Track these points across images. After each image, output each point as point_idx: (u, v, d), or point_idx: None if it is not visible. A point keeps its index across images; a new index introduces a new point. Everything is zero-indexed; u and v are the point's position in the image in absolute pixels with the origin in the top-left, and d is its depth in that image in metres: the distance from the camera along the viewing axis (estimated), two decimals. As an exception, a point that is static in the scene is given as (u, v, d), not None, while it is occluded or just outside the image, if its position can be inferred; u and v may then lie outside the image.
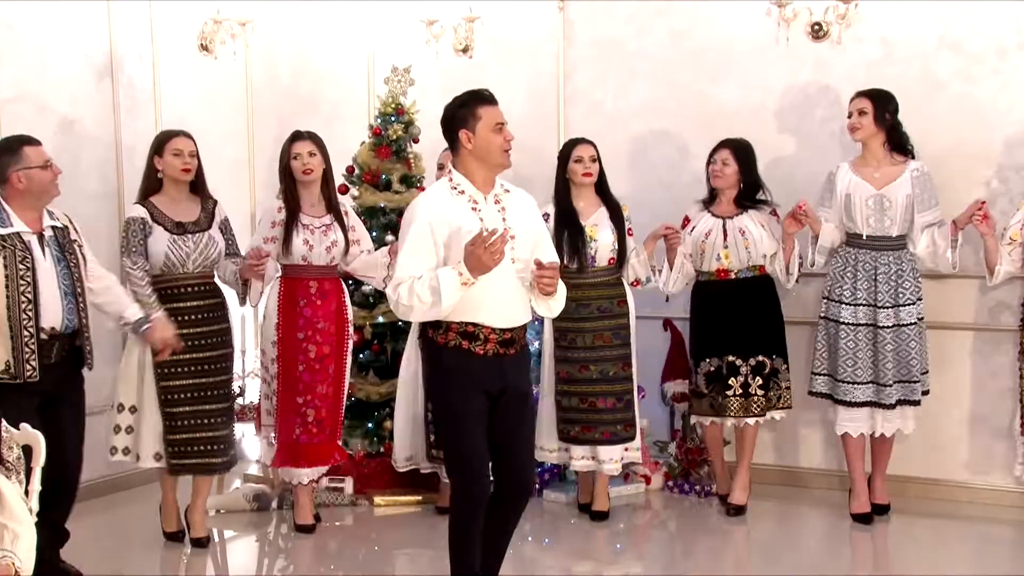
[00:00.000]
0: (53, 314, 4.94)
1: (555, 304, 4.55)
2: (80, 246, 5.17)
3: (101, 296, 5.25)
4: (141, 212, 5.57)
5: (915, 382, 5.92)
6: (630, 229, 6.14)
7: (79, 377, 5.16)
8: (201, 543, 5.77)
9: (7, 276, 4.83)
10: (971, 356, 6.35)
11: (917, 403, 5.97)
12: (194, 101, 7.16)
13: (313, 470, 6.00)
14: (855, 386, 5.93)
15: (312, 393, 5.87)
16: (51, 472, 4.65)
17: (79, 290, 5.08)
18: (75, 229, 5.19)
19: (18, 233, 4.90)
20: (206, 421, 5.66)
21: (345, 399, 6.12)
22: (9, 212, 4.92)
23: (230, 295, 5.88)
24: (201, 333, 5.63)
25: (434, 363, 4.54)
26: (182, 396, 5.59)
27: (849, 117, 5.89)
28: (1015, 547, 5.85)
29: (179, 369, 5.55)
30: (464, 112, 4.43)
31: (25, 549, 3.29)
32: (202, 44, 7.22)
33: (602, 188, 6.12)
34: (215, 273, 5.78)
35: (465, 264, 4.19)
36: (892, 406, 5.90)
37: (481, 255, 4.13)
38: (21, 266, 4.86)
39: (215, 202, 5.79)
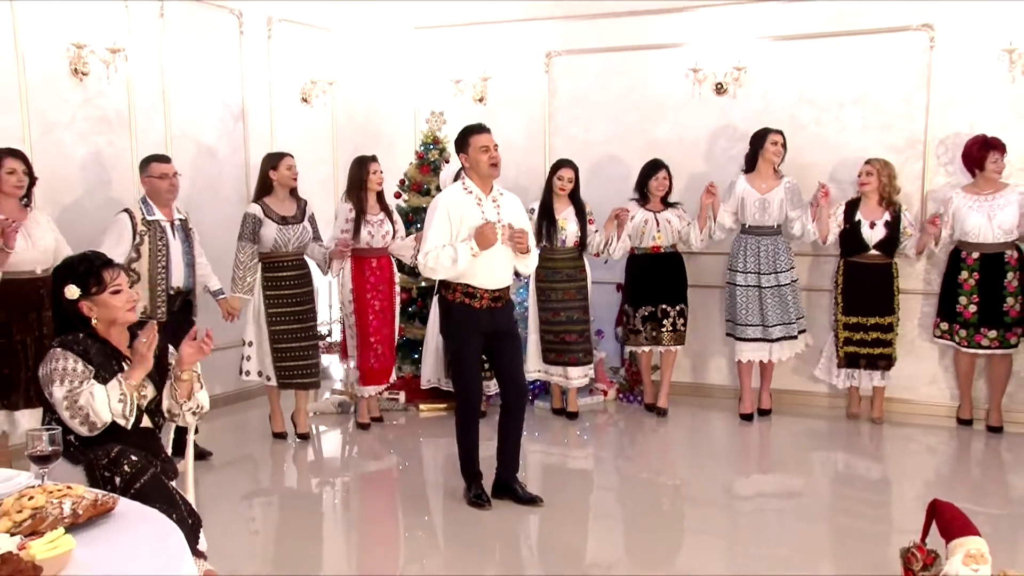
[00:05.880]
0: (177, 277, 5.24)
1: (530, 262, 4.74)
2: (192, 232, 5.42)
3: (199, 269, 5.47)
4: (255, 210, 5.68)
5: (792, 323, 6.16)
6: (592, 219, 6.28)
7: (188, 320, 5.24)
8: (305, 436, 5.98)
9: (150, 249, 5.13)
10: (826, 309, 6.49)
11: (795, 337, 6.23)
12: (297, 137, 7.28)
13: (380, 386, 6.26)
14: (748, 327, 6.20)
15: (380, 334, 6.05)
16: None
17: (193, 262, 5.37)
18: (189, 220, 5.43)
19: (158, 220, 5.19)
20: (302, 353, 5.83)
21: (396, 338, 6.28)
22: (152, 205, 5.22)
23: (313, 267, 6.06)
24: (296, 293, 5.81)
25: (445, 313, 4.71)
26: (286, 336, 5.77)
27: (774, 145, 6.07)
28: (841, 429, 6.14)
29: (283, 318, 5.75)
30: (461, 142, 4.63)
31: (203, 393, 3.37)
32: (303, 97, 7.49)
33: (574, 194, 6.21)
34: (305, 252, 5.90)
35: (475, 240, 4.44)
36: (776, 340, 6.16)
37: (488, 233, 4.42)
38: (159, 243, 5.16)
39: (306, 202, 5.89)
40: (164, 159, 5.35)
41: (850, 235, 6.04)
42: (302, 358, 5.85)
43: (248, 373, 5.90)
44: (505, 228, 4.60)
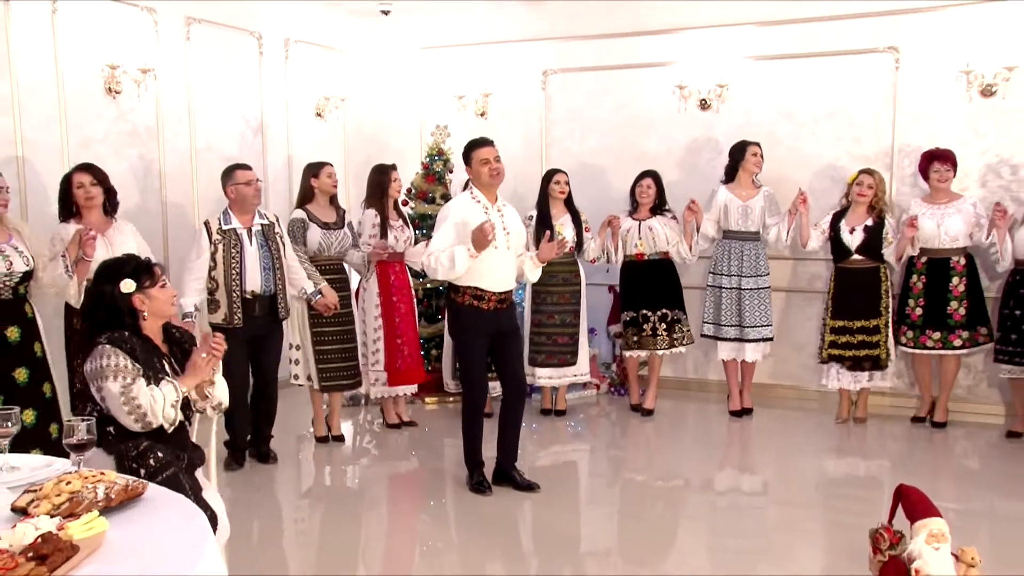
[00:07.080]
0: (253, 282, 5.04)
1: (538, 272, 4.76)
2: (281, 236, 5.20)
3: (291, 273, 5.26)
4: (301, 215, 5.54)
5: (768, 325, 6.18)
6: (588, 227, 6.20)
7: (277, 324, 5.22)
8: (340, 439, 5.81)
9: (224, 257, 5.00)
10: (804, 309, 6.68)
11: (771, 339, 6.25)
12: (311, 148, 7.23)
13: (409, 387, 6.10)
14: (730, 327, 6.19)
15: (405, 336, 5.93)
16: (257, 384, 5.02)
17: (277, 266, 5.11)
18: (279, 225, 5.24)
19: (234, 228, 5.05)
20: (342, 355, 5.66)
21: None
22: (231, 214, 5.07)
23: (349, 271, 5.97)
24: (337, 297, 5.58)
25: (454, 314, 4.71)
26: (327, 339, 5.59)
27: (754, 156, 6.08)
28: (820, 425, 6.17)
29: (324, 320, 5.52)
30: (466, 155, 4.65)
31: (221, 389, 3.32)
32: (317, 112, 7.49)
33: (569, 201, 6.14)
34: (344, 258, 5.77)
35: (472, 241, 4.38)
36: (754, 340, 6.16)
37: (486, 229, 4.33)
38: (233, 250, 5.01)
39: (344, 210, 5.79)
40: (246, 167, 5.20)
41: (834, 242, 6.01)
42: (342, 360, 5.69)
43: (296, 377, 5.70)
44: (548, 236, 4.64)
